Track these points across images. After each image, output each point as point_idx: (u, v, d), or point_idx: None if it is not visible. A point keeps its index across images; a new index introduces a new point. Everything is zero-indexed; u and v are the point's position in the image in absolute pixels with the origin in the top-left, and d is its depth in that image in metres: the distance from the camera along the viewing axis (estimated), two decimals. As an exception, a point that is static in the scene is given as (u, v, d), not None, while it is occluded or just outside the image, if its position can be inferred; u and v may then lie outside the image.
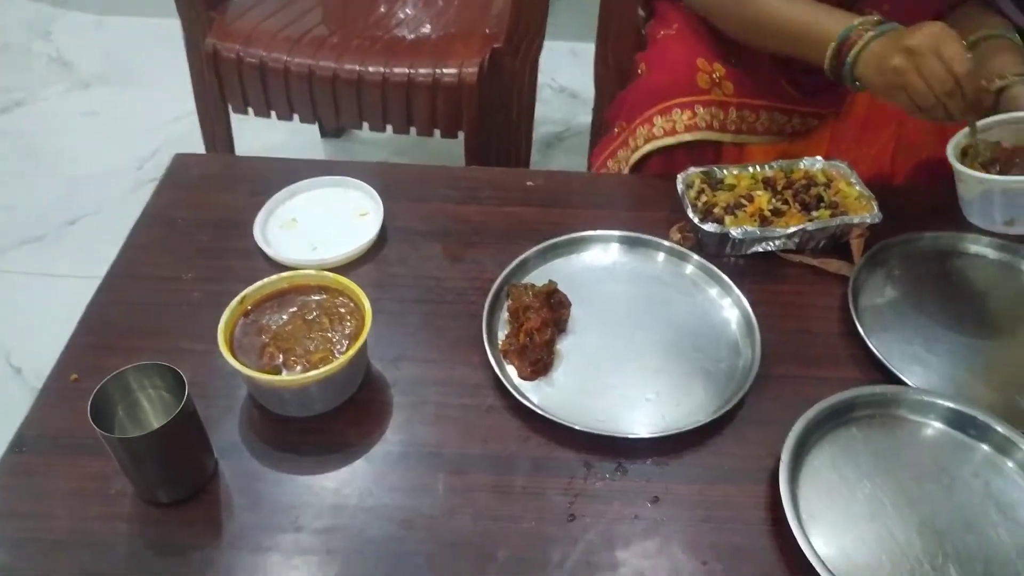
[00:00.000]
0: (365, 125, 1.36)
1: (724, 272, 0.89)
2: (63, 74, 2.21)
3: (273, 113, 1.38)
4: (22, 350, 1.49)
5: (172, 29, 1.44)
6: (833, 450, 0.73)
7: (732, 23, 1.00)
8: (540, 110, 2.11)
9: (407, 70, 1.29)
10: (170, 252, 0.91)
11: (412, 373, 0.80)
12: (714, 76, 1.03)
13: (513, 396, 0.76)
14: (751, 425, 0.76)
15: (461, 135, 1.35)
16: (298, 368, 0.72)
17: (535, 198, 1.00)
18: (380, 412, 0.76)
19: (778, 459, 0.70)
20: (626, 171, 1.07)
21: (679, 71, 1.03)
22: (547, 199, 1.00)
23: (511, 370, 0.80)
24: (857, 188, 0.94)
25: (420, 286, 0.89)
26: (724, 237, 0.90)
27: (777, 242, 0.92)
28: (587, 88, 1.32)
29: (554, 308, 0.83)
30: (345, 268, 0.89)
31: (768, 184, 0.96)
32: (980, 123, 0.86)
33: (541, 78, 2.24)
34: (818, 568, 0.62)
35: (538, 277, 0.88)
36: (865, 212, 0.91)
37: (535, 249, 0.90)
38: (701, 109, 1.01)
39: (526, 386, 0.78)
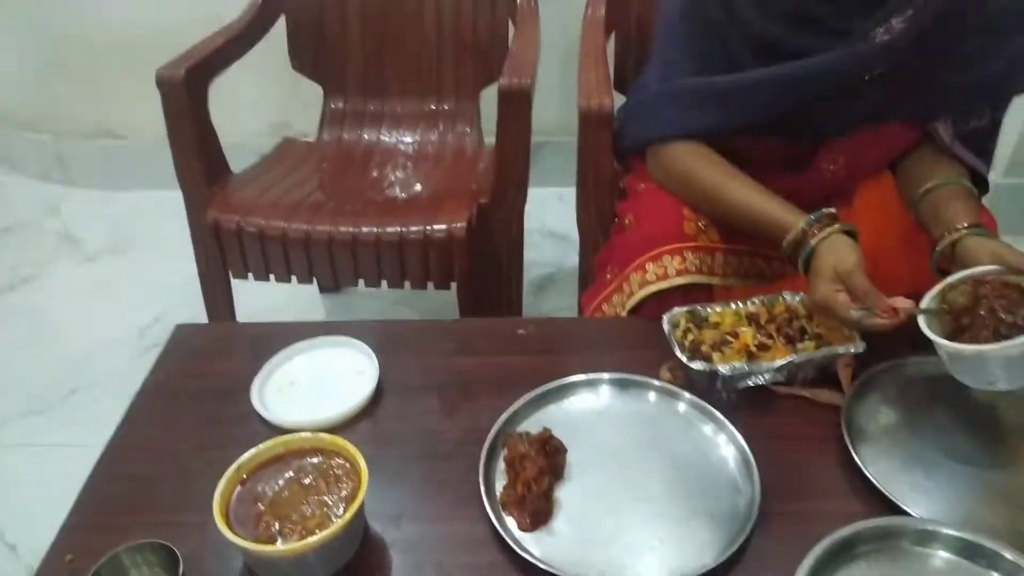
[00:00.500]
0: (360, 282, 1.41)
1: (717, 409, 0.90)
2: (70, 250, 2.29)
3: (272, 276, 1.44)
4: (16, 526, 1.47)
5: (174, 200, 1.52)
6: (842, 589, 0.71)
7: (691, 202, 1.09)
8: (531, 254, 2.18)
9: (399, 228, 1.35)
10: (170, 423, 0.92)
11: (411, 532, 0.79)
12: (700, 224, 1.08)
13: (514, 551, 0.75)
14: (759, 566, 0.75)
15: (454, 286, 1.39)
16: (294, 536, 0.71)
17: (527, 346, 1.03)
18: (380, 576, 0.75)
19: (788, 602, 0.68)
20: (623, 315, 1.11)
21: (667, 220, 1.09)
22: (539, 346, 1.03)
23: (511, 522, 0.79)
24: (838, 318, 0.97)
25: (417, 441, 0.89)
26: (713, 374, 0.91)
27: (766, 376, 0.93)
28: (575, 231, 1.38)
29: (550, 455, 0.83)
30: (342, 427, 0.90)
31: (752, 319, 0.98)
32: (945, 282, 0.89)
33: (530, 223, 2.33)
34: None
35: (533, 425, 0.89)
36: (848, 343, 0.93)
37: (529, 396, 0.92)
38: (690, 255, 1.06)
39: (526, 538, 0.77)
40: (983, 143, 1.08)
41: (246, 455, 0.77)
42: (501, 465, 0.84)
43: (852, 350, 0.92)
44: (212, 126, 1.47)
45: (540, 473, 0.80)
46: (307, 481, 0.77)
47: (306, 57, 1.73)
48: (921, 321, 0.86)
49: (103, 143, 2.48)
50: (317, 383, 0.96)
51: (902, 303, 0.86)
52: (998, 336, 0.81)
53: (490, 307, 1.45)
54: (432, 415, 0.92)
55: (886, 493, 0.79)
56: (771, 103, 1.02)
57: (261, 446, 0.79)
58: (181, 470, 0.86)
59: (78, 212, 2.45)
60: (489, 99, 1.48)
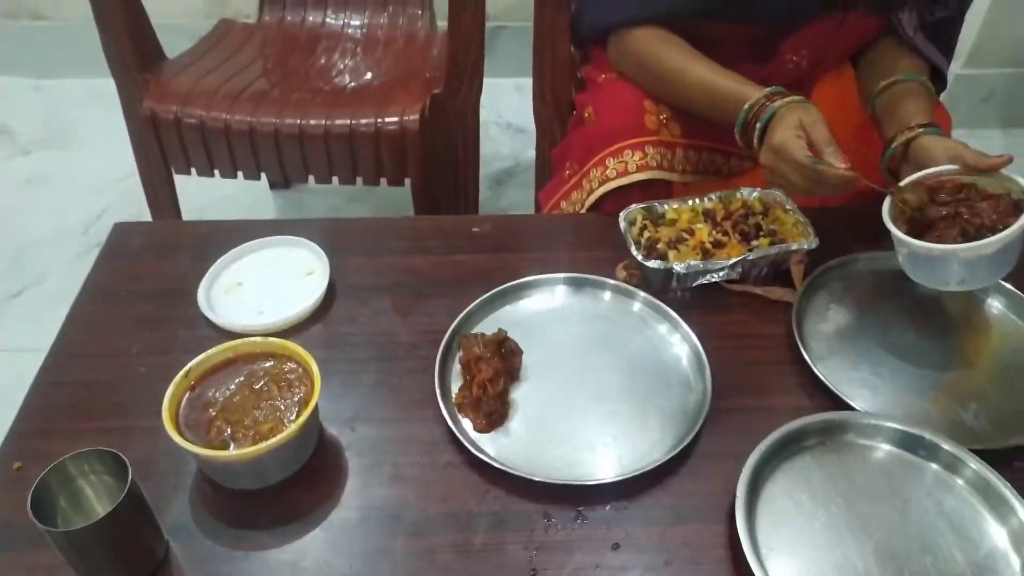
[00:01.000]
0: (311, 178, 1.36)
1: (671, 307, 0.90)
2: (2, 143, 2.17)
3: (216, 172, 1.37)
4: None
5: (110, 88, 1.43)
6: (788, 481, 0.74)
7: (652, 87, 1.05)
8: (488, 147, 2.13)
9: (349, 121, 1.29)
10: (113, 326, 0.90)
11: (367, 434, 0.79)
12: (661, 118, 1.05)
13: (470, 451, 0.76)
14: (707, 462, 0.77)
15: (408, 182, 1.35)
16: (247, 441, 0.71)
17: (483, 244, 1.01)
18: (336, 478, 0.75)
19: (735, 495, 0.70)
20: (583, 212, 1.09)
21: (628, 113, 1.05)
22: (494, 244, 1.01)
23: (466, 423, 0.80)
24: (793, 215, 0.96)
25: (371, 343, 0.88)
26: (668, 272, 0.91)
27: (720, 274, 0.93)
28: (533, 123, 1.34)
29: (505, 357, 0.83)
30: (293, 331, 0.88)
31: (708, 216, 0.97)
32: (910, 178, 0.88)
33: (487, 115, 2.26)
34: (779, 604, 0.62)
35: (488, 326, 0.88)
36: (802, 238, 0.93)
37: (484, 297, 0.91)
38: (651, 149, 1.03)
39: (482, 439, 0.78)
40: (947, 35, 1.05)
41: (195, 360, 0.76)
42: (457, 367, 0.84)
43: (805, 246, 0.92)
44: (141, 4, 1.36)
45: (495, 375, 0.80)
46: (258, 386, 0.75)
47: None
48: (887, 219, 0.86)
49: (25, 24, 2.30)
50: (266, 285, 0.93)
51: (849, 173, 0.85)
52: (966, 236, 0.81)
53: (446, 203, 1.42)
54: (385, 316, 0.91)
55: (833, 388, 0.81)
56: None
57: (210, 351, 0.77)
58: (127, 375, 0.84)
59: (6, 101, 2.30)
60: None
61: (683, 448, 0.76)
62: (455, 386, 0.83)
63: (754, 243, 0.94)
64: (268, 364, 0.77)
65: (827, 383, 0.82)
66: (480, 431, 0.79)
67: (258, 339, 0.79)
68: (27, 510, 0.60)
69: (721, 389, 0.82)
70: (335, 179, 1.35)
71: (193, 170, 1.38)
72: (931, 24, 1.03)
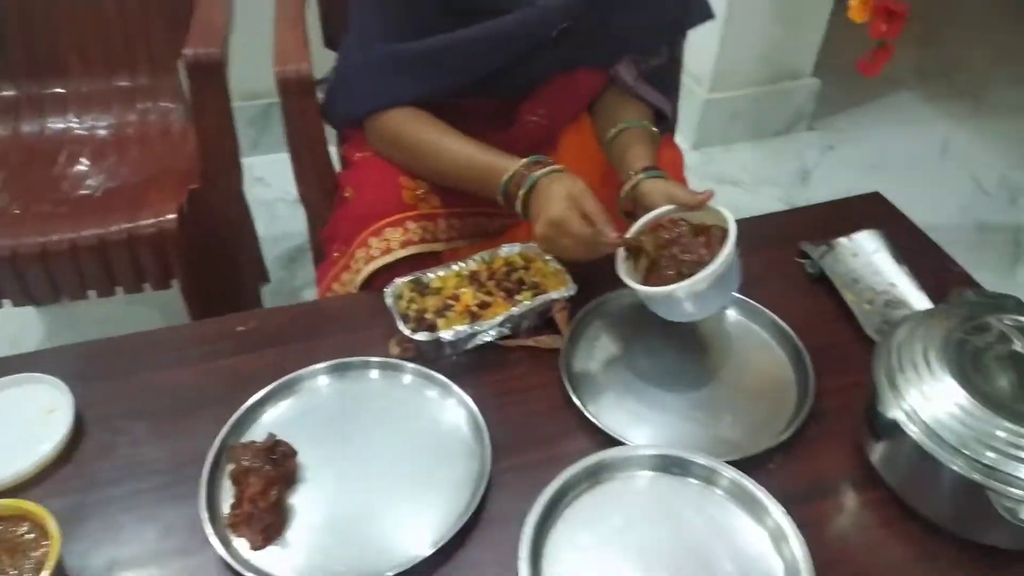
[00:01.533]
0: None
1: (448, 374, 0.90)
2: None
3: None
4: None
5: None
6: (569, 528, 0.75)
7: (411, 167, 1.06)
8: (279, 225, 2.08)
9: (98, 230, 1.21)
10: None
11: (130, 580, 0.72)
12: (418, 192, 1.06)
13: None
14: (495, 527, 0.77)
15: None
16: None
17: (249, 343, 0.96)
18: (95, 639, 0.68)
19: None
20: (354, 292, 1.07)
21: (385, 191, 1.05)
22: (262, 341, 0.97)
23: (241, 543, 0.75)
24: (552, 265, 1.00)
25: (129, 477, 0.81)
26: (438, 342, 0.91)
27: (491, 333, 0.94)
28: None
29: (277, 463, 0.79)
30: (33, 482, 0.79)
31: (474, 278, 0.99)
32: (632, 229, 0.94)
33: (274, 193, 2.20)
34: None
35: (260, 431, 0.84)
36: (562, 287, 0.97)
37: (249, 403, 0.86)
38: (412, 224, 1.04)
39: (260, 557, 0.74)
40: (665, 80, 1.14)
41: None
42: (228, 483, 0.79)
43: (565, 293, 0.96)
44: None
45: (267, 486, 0.76)
46: (-13, 558, 0.67)
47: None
48: (619, 268, 0.91)
49: None
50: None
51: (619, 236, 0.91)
52: (681, 276, 0.87)
53: (226, 299, 1.36)
54: (144, 443, 0.84)
55: (601, 427, 0.84)
56: (467, 66, 1.02)
57: (-77, 528, 0.67)
58: None
59: None
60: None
61: (469, 518, 0.75)
62: (227, 505, 0.78)
63: (518, 298, 0.96)
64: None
65: (595, 422, 0.84)
66: (257, 548, 0.74)
67: (-18, 503, 0.70)
68: None
69: (503, 449, 0.83)
70: (92, 293, 1.26)
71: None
72: (649, 72, 1.12)
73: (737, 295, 0.97)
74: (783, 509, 0.74)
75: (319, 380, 0.90)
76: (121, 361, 0.94)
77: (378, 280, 1.05)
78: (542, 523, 0.74)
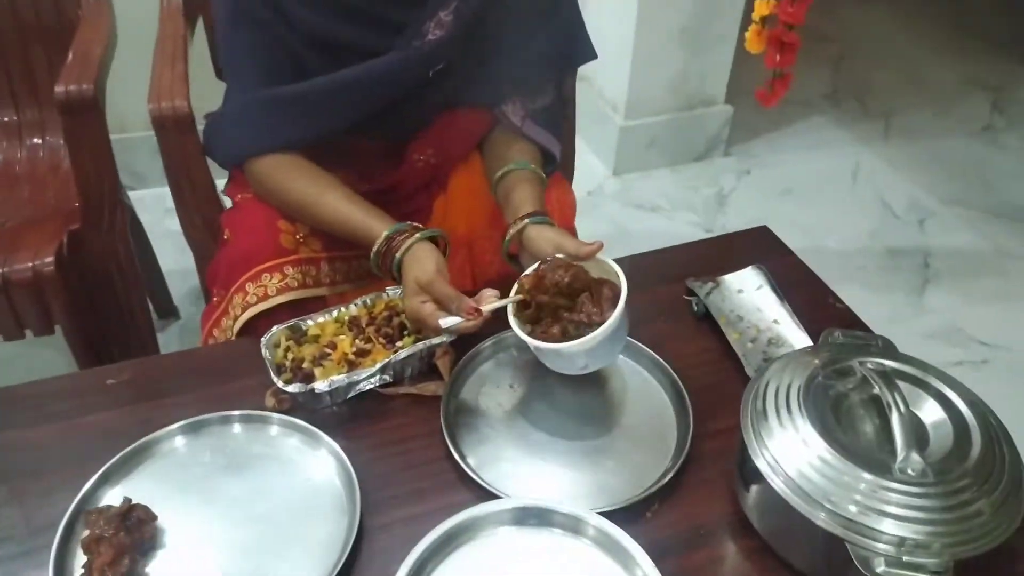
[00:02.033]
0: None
1: (322, 425, 0.87)
2: None
3: None
4: None
5: None
6: (438, 591, 0.73)
7: (291, 215, 1.04)
8: (186, 259, 2.02)
9: (-30, 275, 1.15)
10: None
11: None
12: (298, 236, 1.04)
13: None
14: (361, 590, 0.75)
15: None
16: None
17: (120, 398, 0.93)
18: None
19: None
20: (233, 340, 1.04)
21: (261, 235, 1.03)
22: (134, 395, 0.93)
23: (92, 616, 0.71)
24: (436, 308, 0.98)
25: (-25, 550, 0.77)
26: (311, 393, 0.88)
27: (372, 381, 0.92)
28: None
29: (132, 529, 0.76)
30: None
31: (354, 324, 0.97)
32: (523, 276, 0.92)
33: (177, 225, 2.14)
34: None
35: (119, 495, 0.80)
36: (442, 332, 0.95)
37: (110, 464, 0.83)
38: (291, 269, 1.02)
39: (110, 631, 0.70)
40: (553, 120, 1.14)
41: None
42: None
43: (446, 339, 0.94)
44: None
45: (117, 555, 0.73)
46: None
47: None
48: (511, 318, 0.90)
49: None
50: None
51: (489, 296, 0.89)
52: (566, 332, 0.87)
53: (117, 344, 1.31)
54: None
55: (479, 481, 0.83)
56: (344, 109, 1.01)
57: None
58: None
59: None
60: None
61: (332, 585, 0.73)
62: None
63: (399, 344, 0.95)
64: None
65: (472, 476, 0.83)
66: (107, 623, 0.71)
67: None
68: None
69: (376, 504, 0.81)
70: (-34, 341, 1.20)
71: None
72: (536, 112, 1.12)
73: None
74: (651, 562, 0.74)
75: (182, 438, 0.87)
76: (-27, 422, 0.89)
77: (262, 324, 1.02)
78: (409, 584, 0.72)
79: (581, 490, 0.84)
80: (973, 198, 2.45)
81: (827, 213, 2.38)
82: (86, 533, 0.76)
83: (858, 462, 0.72)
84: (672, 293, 1.09)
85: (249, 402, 0.91)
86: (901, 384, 0.78)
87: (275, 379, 0.89)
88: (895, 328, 1.96)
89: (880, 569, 0.68)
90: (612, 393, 0.97)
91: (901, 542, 0.68)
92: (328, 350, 0.93)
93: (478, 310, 0.86)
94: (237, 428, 0.88)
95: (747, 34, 1.60)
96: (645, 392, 0.97)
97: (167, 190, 1.16)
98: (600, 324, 0.85)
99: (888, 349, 0.87)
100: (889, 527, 0.69)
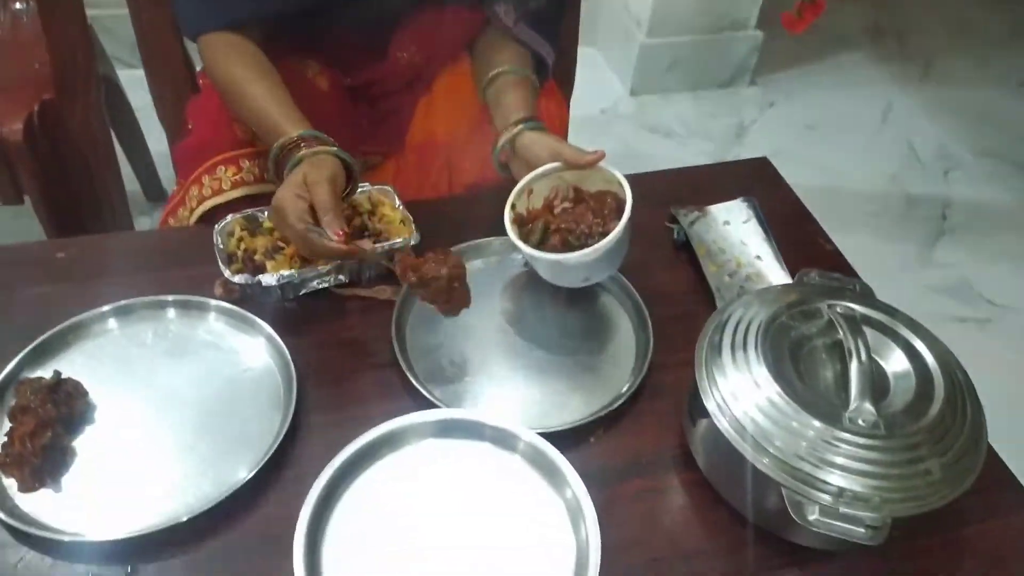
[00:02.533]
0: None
1: (269, 319, 0.85)
2: None
3: None
4: None
5: None
6: (362, 491, 0.71)
7: (227, 103, 0.96)
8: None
9: (-63, 138, 1.12)
10: None
11: None
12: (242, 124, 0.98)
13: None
14: (289, 484, 0.73)
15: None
16: None
17: (66, 272, 0.91)
18: None
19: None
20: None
21: (218, 125, 0.98)
22: (81, 271, 0.91)
23: (11, 483, 0.71)
24: (401, 211, 0.94)
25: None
26: (260, 286, 0.86)
27: (326, 280, 0.89)
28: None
29: (61, 402, 0.74)
30: None
31: (314, 219, 0.93)
32: (518, 186, 0.88)
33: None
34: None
35: (51, 367, 0.79)
36: (406, 234, 0.91)
37: (49, 334, 0.81)
38: (247, 163, 0.97)
39: (29, 500, 0.70)
40: (547, 22, 1.06)
41: None
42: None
43: (410, 241, 0.90)
44: None
45: (39, 426, 0.71)
46: None
47: None
48: (508, 226, 0.86)
49: None
50: None
51: (366, 245, 0.83)
52: (567, 245, 0.85)
53: (89, 219, 1.28)
54: (-75, 373, 0.79)
55: (422, 391, 0.80)
56: None
57: None
58: None
59: None
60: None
61: (251, 478, 0.72)
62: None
63: (359, 243, 0.91)
64: None
65: (416, 385, 0.81)
66: (26, 491, 0.70)
67: None
68: None
69: (315, 402, 0.79)
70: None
71: None
72: (530, 13, 1.04)
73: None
74: (580, 480, 0.71)
75: (123, 318, 0.85)
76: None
77: (217, 214, 0.98)
78: (332, 485, 0.70)
79: (530, 410, 0.82)
80: (1005, 152, 2.34)
81: (849, 153, 2.28)
82: (14, 402, 0.75)
83: (809, 408, 0.68)
84: (655, 218, 1.04)
85: (199, 290, 0.88)
86: (869, 332, 0.74)
87: (223, 268, 0.86)
88: (901, 278, 1.91)
89: (812, 517, 0.65)
90: (574, 315, 0.93)
91: (840, 492, 0.65)
92: (282, 244, 0.89)
93: (346, 234, 0.79)
94: (179, 312, 0.86)
95: (781, -50, 1.49)
96: (609, 317, 0.93)
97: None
98: (603, 235, 0.83)
99: (865, 295, 0.82)
100: (830, 477, 0.66)
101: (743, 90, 2.44)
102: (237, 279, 0.85)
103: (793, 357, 0.74)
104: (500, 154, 0.95)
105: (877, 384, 0.71)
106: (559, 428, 0.78)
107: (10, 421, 0.73)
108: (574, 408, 0.82)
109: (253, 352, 0.84)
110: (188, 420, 0.77)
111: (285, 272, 0.86)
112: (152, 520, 0.68)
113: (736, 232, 1.02)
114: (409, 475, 0.73)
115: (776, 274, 0.97)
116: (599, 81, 2.35)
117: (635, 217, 0.85)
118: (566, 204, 0.92)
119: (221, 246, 0.88)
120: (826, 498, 0.65)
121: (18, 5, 1.35)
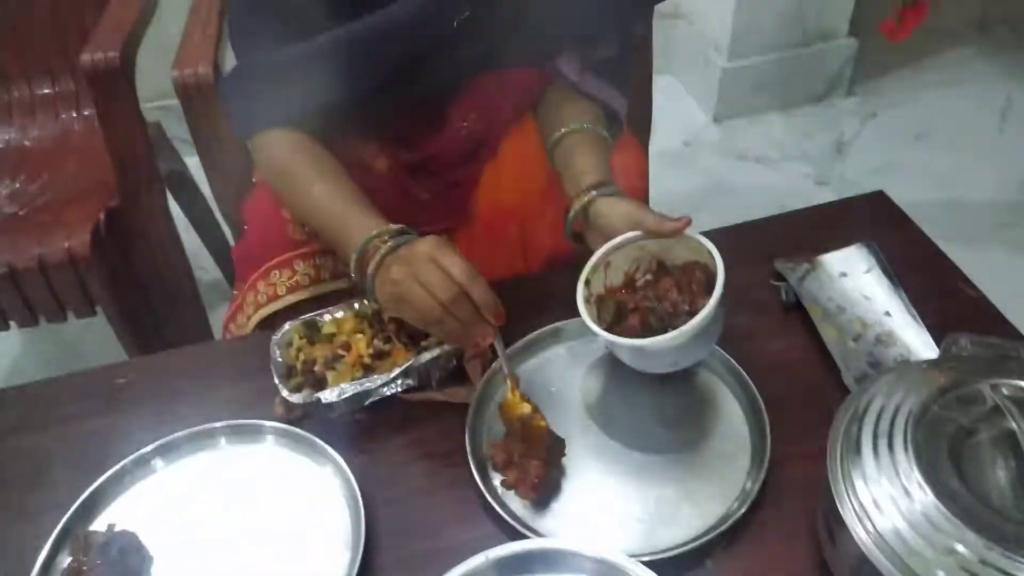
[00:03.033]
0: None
1: (331, 439, 0.76)
2: None
3: None
4: None
5: None
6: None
7: (289, 207, 0.91)
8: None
9: (6, 257, 1.11)
10: None
11: None
12: (306, 227, 0.92)
13: None
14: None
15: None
16: None
17: (127, 398, 0.86)
18: None
19: None
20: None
21: (268, 227, 0.93)
22: (141, 396, 0.86)
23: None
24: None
25: (-36, 566, 0.72)
26: (319, 404, 0.78)
27: (391, 388, 0.81)
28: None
29: (114, 562, 0.68)
30: None
31: (376, 319, 0.85)
32: (591, 261, 0.79)
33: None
34: None
35: (112, 515, 0.73)
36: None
37: (102, 480, 0.75)
38: (301, 264, 0.91)
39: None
40: (618, 73, 0.95)
41: None
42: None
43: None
44: None
45: (96, 587, 0.65)
46: None
47: None
48: (582, 307, 0.76)
49: None
50: None
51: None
52: (647, 328, 0.75)
53: (168, 326, 1.26)
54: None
55: (502, 515, 0.70)
56: (360, 66, 0.86)
57: None
58: None
59: None
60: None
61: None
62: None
63: (424, 343, 0.82)
64: None
65: (495, 508, 0.70)
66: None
67: None
68: None
69: (386, 535, 0.70)
70: (12, 324, 1.17)
71: None
72: (597, 62, 0.95)
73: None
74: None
75: (174, 454, 0.78)
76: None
77: (279, 322, 0.92)
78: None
79: (631, 529, 0.70)
80: None
81: (968, 161, 2.05)
82: (68, 560, 0.69)
83: (975, 525, 0.54)
84: (756, 276, 0.91)
85: (261, 407, 0.81)
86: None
87: (280, 387, 0.79)
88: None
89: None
90: (673, 405, 0.81)
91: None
92: (342, 352, 0.82)
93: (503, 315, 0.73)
94: (231, 441, 0.79)
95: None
96: (712, 400, 0.81)
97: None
98: (691, 314, 0.72)
99: (1034, 362, 0.67)
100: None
101: (839, 102, 2.26)
102: (294, 398, 0.77)
103: (952, 456, 0.59)
104: (572, 224, 0.85)
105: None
106: (672, 553, 0.66)
107: (70, 581, 0.68)
108: (684, 523, 0.70)
109: (317, 482, 0.75)
110: (246, 567, 0.70)
111: (345, 385, 0.78)
112: None
113: (856, 285, 0.88)
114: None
115: (913, 333, 0.83)
116: (678, 111, 2.22)
117: (732, 280, 0.73)
118: (647, 277, 0.81)
119: (280, 359, 0.81)
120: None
121: (72, 113, 1.36)
